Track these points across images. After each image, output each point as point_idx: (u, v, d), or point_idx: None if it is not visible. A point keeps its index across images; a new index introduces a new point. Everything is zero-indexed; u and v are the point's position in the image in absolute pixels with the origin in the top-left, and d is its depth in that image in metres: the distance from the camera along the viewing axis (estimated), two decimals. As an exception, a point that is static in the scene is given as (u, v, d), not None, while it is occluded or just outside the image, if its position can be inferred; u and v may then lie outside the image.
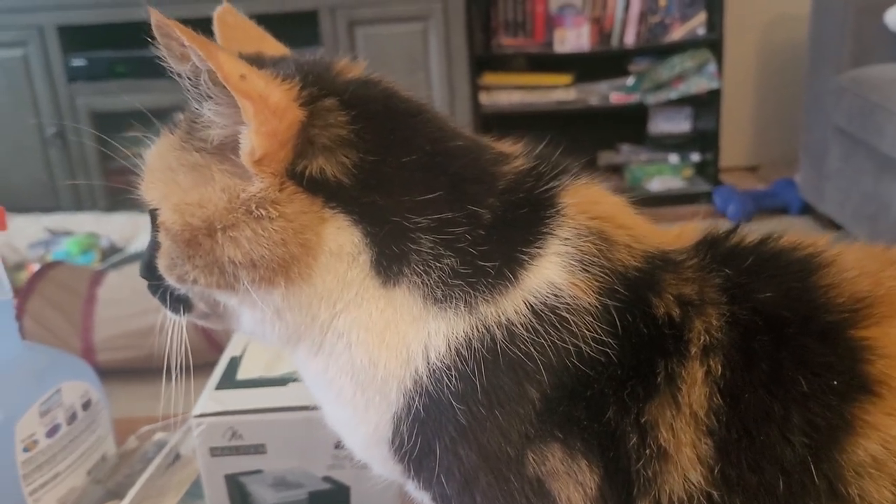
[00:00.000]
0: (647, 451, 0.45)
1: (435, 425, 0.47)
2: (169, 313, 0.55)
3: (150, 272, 0.54)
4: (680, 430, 0.45)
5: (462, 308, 0.47)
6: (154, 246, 0.53)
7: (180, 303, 0.54)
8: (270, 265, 0.47)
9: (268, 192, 0.47)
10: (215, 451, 0.68)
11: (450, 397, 0.46)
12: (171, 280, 0.52)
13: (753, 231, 0.51)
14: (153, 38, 0.47)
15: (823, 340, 0.45)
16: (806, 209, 2.99)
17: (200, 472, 0.69)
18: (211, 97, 0.47)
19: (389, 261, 0.47)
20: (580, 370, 0.46)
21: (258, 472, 0.68)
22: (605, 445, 0.45)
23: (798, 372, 0.44)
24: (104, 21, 2.93)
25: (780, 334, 0.45)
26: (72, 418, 0.79)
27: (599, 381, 0.46)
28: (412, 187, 0.48)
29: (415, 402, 0.47)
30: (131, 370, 2.18)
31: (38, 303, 2.21)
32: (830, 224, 2.82)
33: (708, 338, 0.46)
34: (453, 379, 0.46)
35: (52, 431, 0.76)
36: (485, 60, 3.18)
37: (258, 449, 0.67)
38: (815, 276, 0.48)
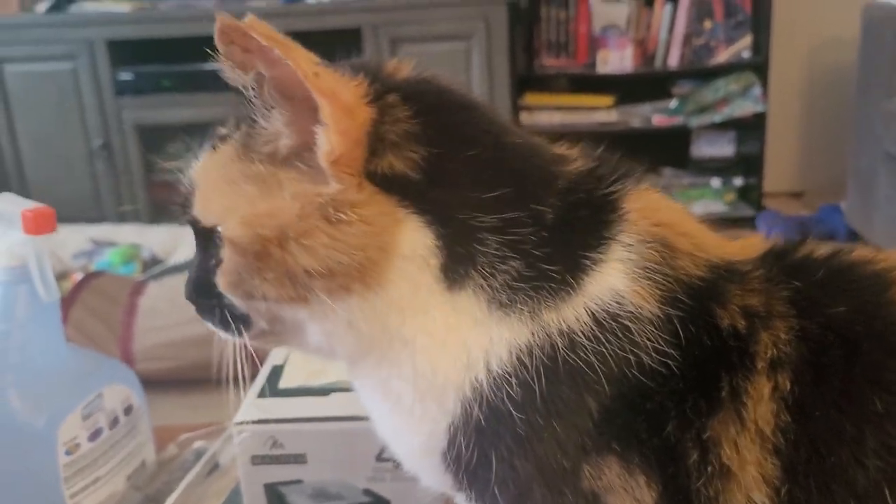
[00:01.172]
0: (709, 469, 0.43)
1: (493, 435, 0.46)
2: (223, 335, 0.52)
3: (201, 293, 0.51)
4: (744, 447, 0.43)
5: (526, 314, 0.45)
6: (206, 266, 0.50)
7: (238, 322, 0.51)
8: (348, 272, 0.45)
9: (346, 195, 0.45)
10: (256, 460, 0.67)
11: (510, 407, 0.45)
12: (235, 297, 0.49)
13: (823, 245, 0.49)
14: (213, 49, 0.45)
15: None
16: (852, 236, 2.93)
17: (240, 480, 0.68)
18: (274, 106, 0.46)
19: (456, 263, 0.46)
20: (640, 381, 0.44)
21: (298, 482, 0.67)
22: (663, 461, 0.44)
23: (873, 391, 0.42)
24: (151, 36, 2.99)
25: (853, 351, 0.43)
26: (113, 423, 0.79)
27: (660, 394, 0.44)
28: (478, 183, 0.46)
29: (473, 410, 0.46)
30: (169, 381, 2.20)
31: (80, 312, 2.24)
32: (878, 252, 2.76)
33: (776, 351, 0.44)
34: (514, 388, 0.45)
35: (94, 435, 0.76)
36: (526, 80, 3.18)
37: (298, 459, 0.67)
38: (891, 291, 0.45)
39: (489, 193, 0.46)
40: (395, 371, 0.48)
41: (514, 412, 0.45)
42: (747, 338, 0.44)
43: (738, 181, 3.24)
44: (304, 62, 0.43)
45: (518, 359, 0.45)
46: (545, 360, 0.45)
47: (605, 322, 0.44)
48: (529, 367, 0.45)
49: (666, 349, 0.44)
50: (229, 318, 0.51)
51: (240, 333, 0.51)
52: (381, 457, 0.66)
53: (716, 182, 3.24)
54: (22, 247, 0.72)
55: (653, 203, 0.49)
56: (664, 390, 0.44)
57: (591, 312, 0.45)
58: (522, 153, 0.49)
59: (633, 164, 0.51)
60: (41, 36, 3.01)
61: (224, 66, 0.45)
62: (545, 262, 0.45)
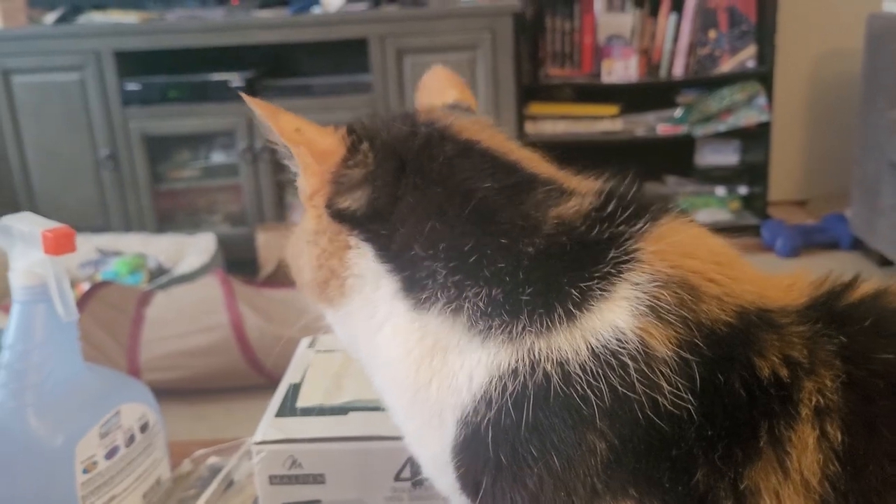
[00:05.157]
0: None
1: (479, 461, 0.46)
2: None
3: None
4: (787, 497, 0.42)
5: (503, 339, 0.46)
6: None
7: None
8: (319, 286, 0.56)
9: (315, 225, 0.55)
10: (274, 480, 0.67)
11: (490, 432, 0.45)
12: None
13: (868, 282, 0.48)
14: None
15: None
16: (856, 245, 2.93)
17: (259, 499, 0.69)
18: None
19: (411, 286, 0.50)
20: (657, 425, 0.43)
21: (316, 502, 0.67)
22: None
23: None
24: (158, 47, 3.00)
25: None
26: (130, 440, 0.79)
27: (686, 441, 0.43)
28: (424, 219, 0.50)
29: (461, 433, 0.47)
30: (175, 391, 2.20)
31: (87, 322, 2.25)
32: (882, 261, 2.77)
33: (821, 399, 0.43)
34: (493, 412, 0.45)
35: (111, 453, 0.77)
36: (532, 90, 3.19)
37: (317, 479, 0.67)
38: None
39: (435, 228, 0.50)
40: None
41: (492, 438, 0.45)
42: (790, 386, 0.43)
43: (743, 190, 3.25)
44: (284, 122, 0.53)
45: (497, 383, 0.45)
46: (532, 387, 0.44)
47: (603, 357, 0.44)
48: (511, 393, 0.45)
49: (683, 394, 0.43)
50: None
51: None
52: (399, 477, 0.66)
53: (720, 191, 3.25)
54: (41, 266, 0.72)
55: (677, 244, 0.48)
56: (689, 437, 0.43)
57: (591, 347, 0.44)
58: (497, 198, 0.50)
59: (655, 199, 0.50)
60: (49, 47, 3.02)
61: (272, 135, 0.55)
62: (521, 293, 0.46)
